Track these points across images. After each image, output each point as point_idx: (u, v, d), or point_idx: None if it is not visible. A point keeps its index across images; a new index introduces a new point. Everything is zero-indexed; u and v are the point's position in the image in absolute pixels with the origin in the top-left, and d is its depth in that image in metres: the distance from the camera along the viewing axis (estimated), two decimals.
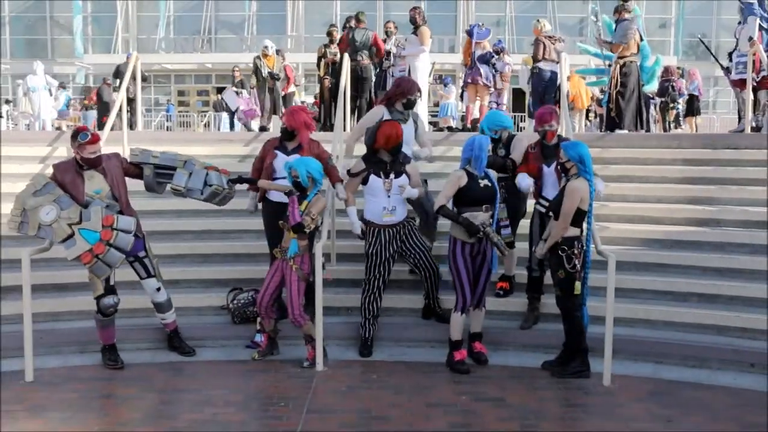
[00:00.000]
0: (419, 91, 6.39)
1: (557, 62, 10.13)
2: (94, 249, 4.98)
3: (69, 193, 5.16)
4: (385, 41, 10.67)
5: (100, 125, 15.13)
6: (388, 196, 5.64)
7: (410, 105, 6.23)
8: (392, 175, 5.65)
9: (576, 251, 5.13)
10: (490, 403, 4.79)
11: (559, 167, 5.37)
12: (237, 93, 13.40)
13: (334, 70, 11.03)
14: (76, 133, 5.22)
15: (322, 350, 5.43)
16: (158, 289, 5.55)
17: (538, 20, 10.49)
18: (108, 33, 31.78)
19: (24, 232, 5.15)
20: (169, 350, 5.72)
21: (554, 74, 10.06)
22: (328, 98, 11.24)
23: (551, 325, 5.83)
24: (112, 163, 5.39)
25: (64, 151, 8.30)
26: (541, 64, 10.12)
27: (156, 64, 29.55)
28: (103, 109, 15.25)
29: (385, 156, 5.67)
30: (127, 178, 5.49)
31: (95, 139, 5.22)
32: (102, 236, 5.00)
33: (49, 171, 5.43)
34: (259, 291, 5.51)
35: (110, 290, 5.34)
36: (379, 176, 5.65)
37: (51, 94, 15.35)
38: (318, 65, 11.82)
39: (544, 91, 10.11)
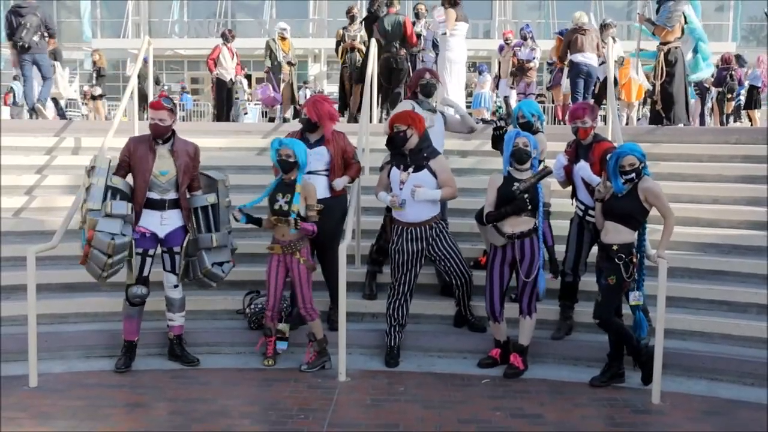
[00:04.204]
0: (430, 72, 6.51)
1: (598, 55, 10.19)
2: (85, 249, 5.17)
3: (135, 170, 5.41)
4: (414, 24, 10.49)
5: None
6: (400, 189, 5.59)
7: (426, 91, 6.35)
8: (411, 169, 5.59)
9: (635, 259, 5.12)
10: (527, 419, 4.77)
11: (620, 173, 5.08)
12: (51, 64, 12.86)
13: (353, 56, 10.88)
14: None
15: (335, 359, 5.42)
16: (176, 286, 5.64)
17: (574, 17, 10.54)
18: (118, 16, 32.15)
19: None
20: (169, 359, 5.76)
21: (591, 67, 10.14)
22: (348, 88, 11.06)
23: (590, 336, 5.80)
24: (185, 149, 5.55)
25: (71, 142, 8.43)
26: (577, 57, 10.14)
27: (168, 50, 29.81)
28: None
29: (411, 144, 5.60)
30: None
31: (156, 105, 5.48)
32: (87, 237, 5.17)
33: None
34: (268, 294, 5.62)
35: (142, 281, 5.50)
36: (399, 168, 5.65)
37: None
38: (336, 50, 11.54)
39: (585, 87, 10.14)
